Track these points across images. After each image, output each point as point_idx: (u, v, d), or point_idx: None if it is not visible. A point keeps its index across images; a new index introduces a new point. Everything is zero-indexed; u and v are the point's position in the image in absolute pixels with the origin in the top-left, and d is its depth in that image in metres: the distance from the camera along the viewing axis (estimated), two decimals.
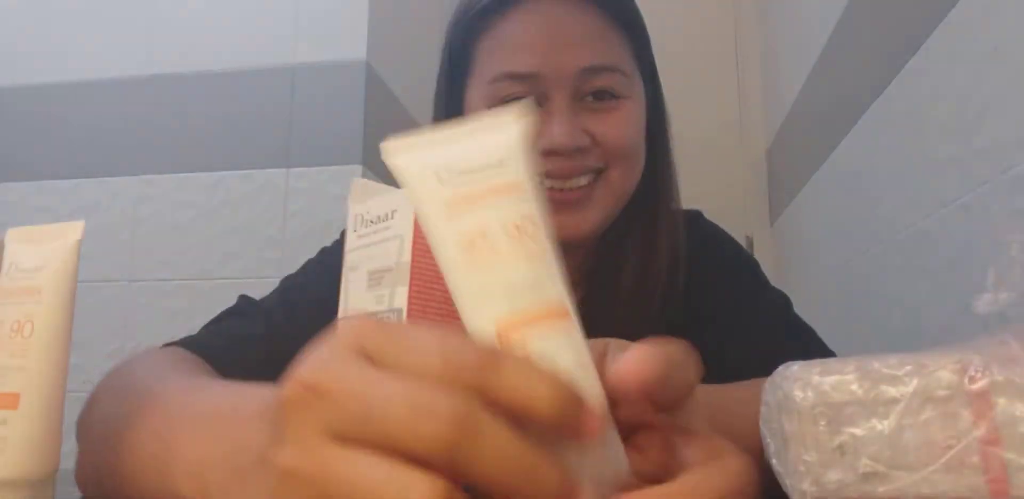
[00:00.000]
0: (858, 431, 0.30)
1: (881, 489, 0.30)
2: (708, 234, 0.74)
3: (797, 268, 1.63)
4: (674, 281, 0.65)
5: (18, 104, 1.47)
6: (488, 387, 0.22)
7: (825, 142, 1.29)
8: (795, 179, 1.59)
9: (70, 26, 1.49)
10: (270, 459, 0.24)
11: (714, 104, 2.11)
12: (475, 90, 0.66)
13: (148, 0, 1.47)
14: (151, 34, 1.46)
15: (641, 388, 0.24)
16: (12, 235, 0.46)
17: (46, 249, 0.44)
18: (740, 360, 0.57)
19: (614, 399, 0.24)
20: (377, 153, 1.62)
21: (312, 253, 0.75)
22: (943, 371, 0.30)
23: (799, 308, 0.70)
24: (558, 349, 0.24)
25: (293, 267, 0.74)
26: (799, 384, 0.32)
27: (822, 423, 0.31)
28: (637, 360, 0.24)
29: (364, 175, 1.34)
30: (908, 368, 0.31)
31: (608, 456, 0.25)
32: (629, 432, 0.26)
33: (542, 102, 0.62)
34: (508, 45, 0.63)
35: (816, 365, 0.32)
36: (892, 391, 0.30)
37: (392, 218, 0.34)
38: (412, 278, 0.33)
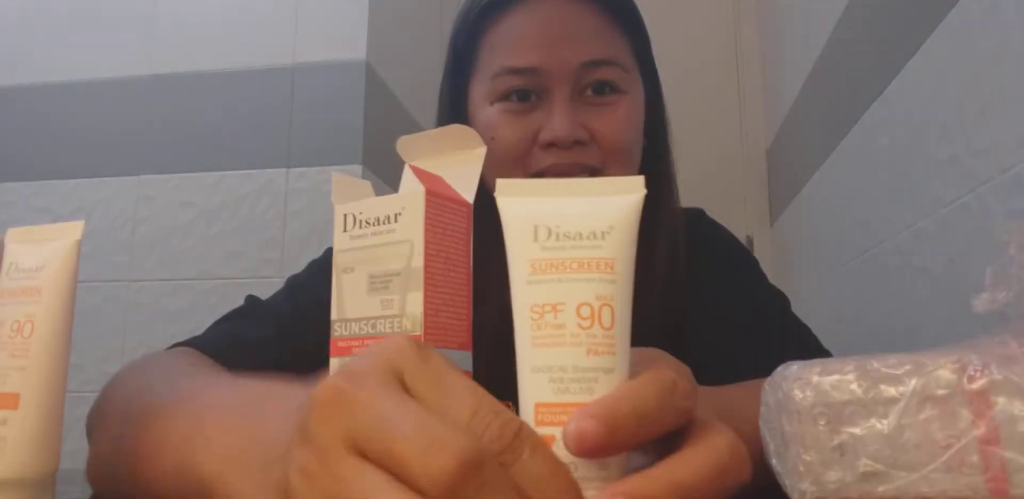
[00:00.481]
0: (858, 431, 0.30)
1: (881, 489, 0.30)
2: (709, 232, 0.75)
3: (797, 268, 1.63)
4: (674, 280, 0.65)
5: (18, 104, 1.47)
6: (501, 462, 0.22)
7: (825, 142, 1.29)
8: (795, 179, 1.59)
9: (70, 26, 1.49)
10: (291, 456, 0.24)
11: (714, 104, 2.11)
12: (477, 87, 0.67)
13: (148, 0, 1.47)
14: (151, 34, 1.46)
15: (588, 454, 0.24)
16: (12, 235, 0.46)
17: (46, 249, 0.44)
18: (736, 357, 0.57)
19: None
20: (377, 153, 1.63)
21: (312, 253, 0.75)
22: (942, 370, 0.30)
23: (799, 308, 0.70)
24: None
25: (293, 267, 0.74)
26: (798, 384, 0.32)
27: (821, 423, 0.31)
28: (573, 432, 0.24)
29: (364, 175, 1.34)
30: (907, 367, 0.31)
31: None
32: None
33: (543, 96, 0.63)
34: (509, 41, 0.64)
35: (815, 365, 0.32)
36: (891, 390, 0.30)
37: (396, 221, 0.34)
38: (426, 284, 0.33)
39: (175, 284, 1.35)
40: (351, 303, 0.35)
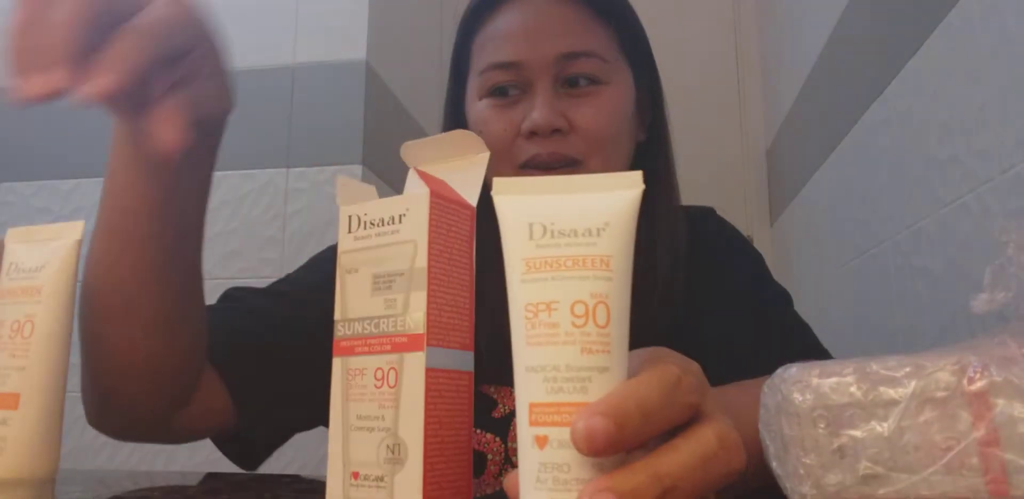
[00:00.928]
0: (857, 433, 0.30)
1: (881, 491, 0.30)
2: (717, 230, 0.75)
3: (797, 268, 1.63)
4: (674, 279, 0.65)
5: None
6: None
7: (825, 142, 1.29)
8: (795, 179, 1.59)
9: None
10: None
11: (714, 104, 2.11)
12: (470, 85, 0.69)
13: None
14: None
15: (597, 452, 0.24)
16: (12, 235, 0.46)
17: (46, 249, 0.44)
18: (732, 356, 0.57)
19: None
20: (377, 153, 1.63)
21: (311, 253, 0.75)
22: (942, 372, 0.30)
23: (799, 308, 0.70)
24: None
25: (293, 267, 0.74)
26: (798, 386, 0.32)
27: (821, 425, 0.31)
28: (583, 430, 0.24)
29: (364, 175, 1.34)
30: (907, 370, 0.31)
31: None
32: None
33: (527, 90, 0.65)
34: (495, 38, 0.67)
35: (815, 367, 0.32)
36: (891, 393, 0.30)
37: (401, 222, 0.34)
38: (430, 284, 0.33)
39: None
40: (354, 303, 0.35)
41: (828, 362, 0.33)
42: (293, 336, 0.60)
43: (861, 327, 1.12)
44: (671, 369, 0.26)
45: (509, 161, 0.65)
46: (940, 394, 0.30)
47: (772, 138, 1.91)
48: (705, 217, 0.76)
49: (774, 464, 0.33)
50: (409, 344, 0.33)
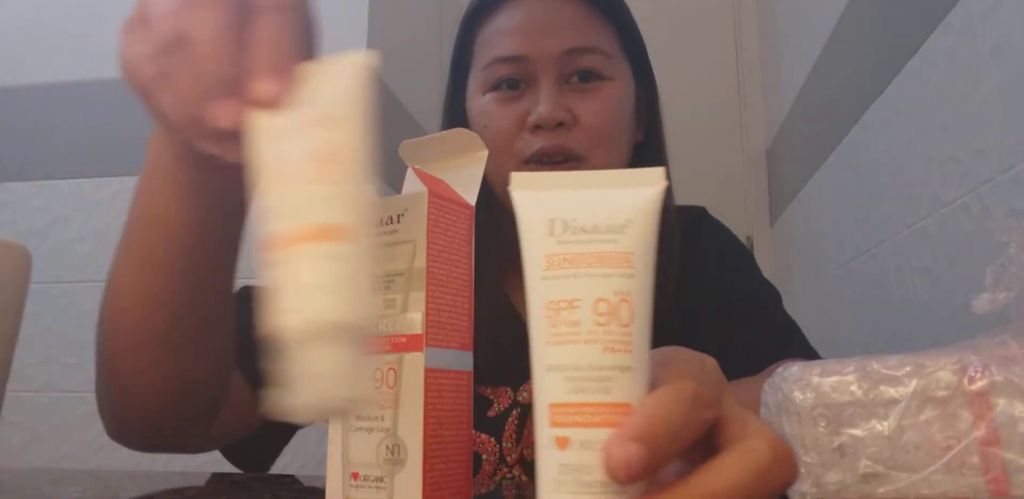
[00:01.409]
0: (858, 432, 0.30)
1: (881, 490, 0.30)
2: (710, 229, 0.75)
3: (797, 268, 1.63)
4: (668, 279, 0.65)
5: (18, 104, 1.47)
6: None
7: (825, 142, 1.29)
8: (795, 179, 1.58)
9: (70, 26, 1.48)
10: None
11: (714, 104, 2.11)
12: (472, 81, 0.70)
13: None
14: None
15: (633, 480, 0.23)
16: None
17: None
18: (727, 352, 0.57)
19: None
20: (376, 153, 1.63)
21: None
22: (942, 372, 0.30)
23: (799, 308, 0.71)
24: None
25: None
26: (799, 385, 0.32)
27: (822, 424, 0.31)
28: (622, 460, 0.23)
29: None
30: (907, 369, 0.31)
31: None
32: None
33: (531, 84, 0.66)
34: (499, 34, 0.68)
35: (816, 366, 0.32)
36: (892, 392, 0.30)
37: (399, 221, 0.34)
38: (429, 284, 0.33)
39: None
40: None
41: (829, 361, 0.33)
42: None
43: (861, 327, 1.12)
44: (686, 385, 0.25)
45: (513, 155, 0.65)
46: (941, 393, 0.30)
47: (772, 138, 1.91)
48: (697, 217, 0.76)
49: None
50: (408, 344, 0.32)
